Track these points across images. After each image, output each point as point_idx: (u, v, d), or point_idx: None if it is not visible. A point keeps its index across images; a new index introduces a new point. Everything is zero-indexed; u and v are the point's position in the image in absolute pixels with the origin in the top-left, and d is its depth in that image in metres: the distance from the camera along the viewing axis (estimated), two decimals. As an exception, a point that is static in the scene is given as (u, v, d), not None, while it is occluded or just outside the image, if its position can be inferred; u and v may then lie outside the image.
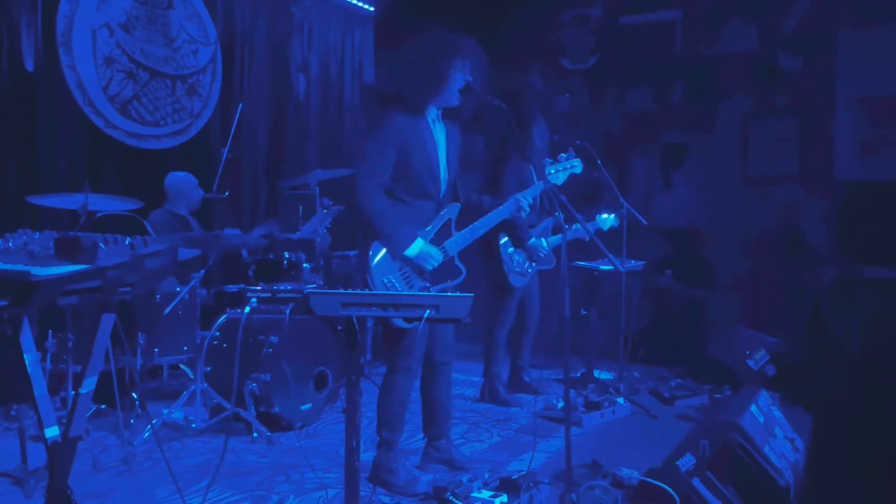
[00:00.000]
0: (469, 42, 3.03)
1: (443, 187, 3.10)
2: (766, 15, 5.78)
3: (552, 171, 3.41)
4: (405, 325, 2.86)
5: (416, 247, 2.93)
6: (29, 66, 4.58)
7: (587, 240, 4.52)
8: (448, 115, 3.14)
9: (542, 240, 4.44)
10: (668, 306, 5.87)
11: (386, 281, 2.91)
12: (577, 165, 3.50)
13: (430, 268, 2.97)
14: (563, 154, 3.46)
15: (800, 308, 5.31)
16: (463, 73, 2.98)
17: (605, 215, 4.72)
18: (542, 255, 4.44)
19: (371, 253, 2.92)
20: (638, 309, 5.50)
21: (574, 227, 4.46)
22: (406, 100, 3.00)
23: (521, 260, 4.49)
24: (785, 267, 5.60)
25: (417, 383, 3.19)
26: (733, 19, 5.91)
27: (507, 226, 4.44)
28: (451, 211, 3.12)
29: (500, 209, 3.22)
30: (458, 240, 3.11)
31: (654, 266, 5.88)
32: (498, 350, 4.58)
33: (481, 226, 3.18)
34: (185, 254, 4.05)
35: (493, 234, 4.50)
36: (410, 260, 2.94)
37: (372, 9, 7.14)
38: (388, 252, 2.93)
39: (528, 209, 3.27)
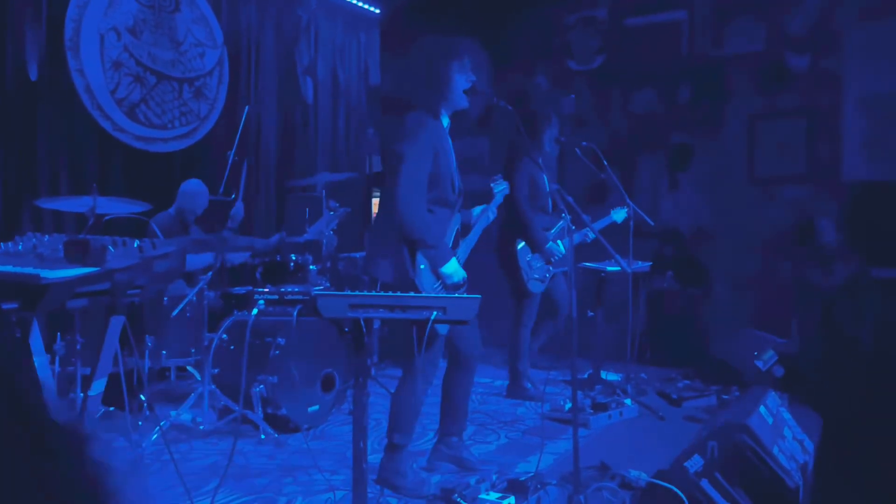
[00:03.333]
0: (466, 42, 3.01)
1: (456, 195, 3.10)
2: (772, 15, 5.76)
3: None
4: (443, 332, 2.87)
5: (454, 265, 2.93)
6: (32, 74, 4.59)
7: (589, 241, 4.54)
8: (452, 118, 3.14)
9: (558, 242, 4.44)
10: (675, 307, 5.86)
11: (436, 286, 2.92)
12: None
13: (454, 287, 2.96)
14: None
15: (807, 309, 5.29)
16: (464, 75, 2.97)
17: (618, 208, 4.73)
18: (557, 257, 4.45)
19: (419, 258, 2.91)
20: (645, 310, 5.49)
21: (583, 231, 4.47)
22: (422, 105, 2.98)
23: (539, 266, 4.51)
24: (792, 267, 5.58)
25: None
26: (740, 19, 5.89)
27: (523, 232, 4.46)
28: (458, 221, 3.14)
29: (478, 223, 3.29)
30: (465, 248, 3.14)
31: (659, 267, 5.86)
32: (523, 349, 4.65)
33: (472, 237, 3.24)
34: (196, 263, 4.08)
35: (510, 240, 4.51)
36: (443, 275, 2.93)
37: (377, 11, 7.15)
38: (428, 263, 2.92)
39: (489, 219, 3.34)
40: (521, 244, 4.51)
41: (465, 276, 3.00)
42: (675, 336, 5.60)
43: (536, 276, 4.53)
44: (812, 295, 5.33)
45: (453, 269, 2.93)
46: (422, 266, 2.90)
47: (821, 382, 4.29)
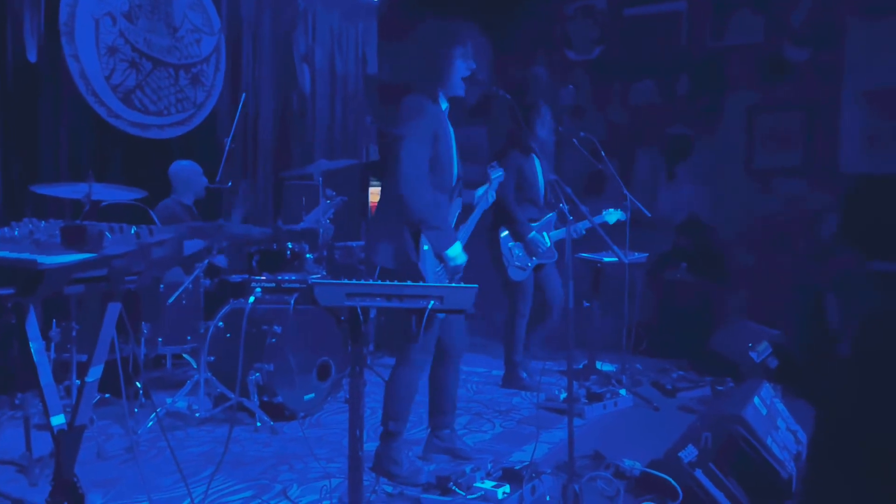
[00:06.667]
0: (470, 28, 2.99)
1: (454, 181, 3.09)
2: (772, 6, 5.75)
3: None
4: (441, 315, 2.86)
5: (458, 247, 2.93)
6: (32, 56, 4.56)
7: (583, 234, 4.51)
8: (451, 106, 3.12)
9: (544, 234, 4.45)
10: (671, 299, 5.86)
11: (438, 270, 2.91)
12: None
13: (455, 270, 2.96)
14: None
15: (803, 301, 5.31)
16: (465, 61, 2.96)
17: (611, 210, 4.71)
18: (541, 249, 4.45)
19: (422, 240, 2.89)
20: (641, 301, 5.49)
21: (578, 224, 4.42)
22: (421, 88, 2.96)
23: (520, 254, 4.51)
24: (789, 259, 5.59)
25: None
26: (740, 11, 5.87)
27: (507, 220, 4.46)
28: (458, 206, 3.13)
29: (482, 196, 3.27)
30: (465, 232, 3.13)
31: (661, 258, 5.86)
32: (518, 340, 4.64)
33: (472, 220, 3.21)
34: (191, 247, 4.06)
35: (494, 227, 4.52)
36: (446, 258, 2.92)
37: (376, -2, 7.12)
38: (431, 245, 2.90)
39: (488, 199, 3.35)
40: (505, 232, 4.52)
41: (466, 259, 2.99)
42: (675, 326, 5.60)
43: (517, 263, 4.51)
44: (804, 288, 5.35)
45: (457, 251, 2.93)
46: (425, 248, 2.88)
47: (809, 372, 4.31)
